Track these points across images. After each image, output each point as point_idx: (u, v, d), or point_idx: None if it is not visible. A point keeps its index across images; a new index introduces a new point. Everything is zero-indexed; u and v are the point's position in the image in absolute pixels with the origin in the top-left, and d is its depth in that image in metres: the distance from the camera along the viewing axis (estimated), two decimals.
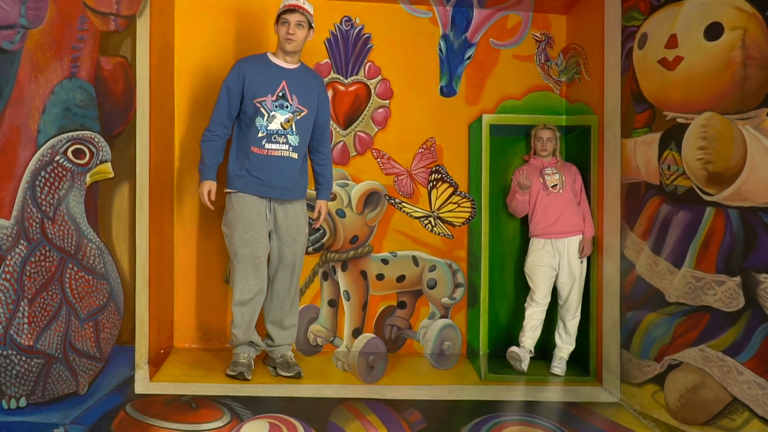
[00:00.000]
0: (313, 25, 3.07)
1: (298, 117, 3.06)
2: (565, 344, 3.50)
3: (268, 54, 3.12)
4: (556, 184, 3.49)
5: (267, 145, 3.00)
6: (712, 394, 2.36)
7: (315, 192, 3.33)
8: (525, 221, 3.69)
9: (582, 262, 3.45)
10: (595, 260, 3.43)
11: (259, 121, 2.99)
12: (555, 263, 3.47)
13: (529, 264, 3.55)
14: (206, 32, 3.63)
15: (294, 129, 3.04)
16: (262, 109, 2.99)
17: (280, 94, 3.03)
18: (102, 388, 2.69)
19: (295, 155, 3.05)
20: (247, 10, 3.63)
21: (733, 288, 2.29)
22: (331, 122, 3.73)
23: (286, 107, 3.03)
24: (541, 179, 3.52)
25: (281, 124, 3.01)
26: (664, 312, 2.69)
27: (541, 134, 3.61)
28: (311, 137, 3.18)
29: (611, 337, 3.17)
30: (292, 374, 3.14)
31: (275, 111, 3.00)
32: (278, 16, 3.02)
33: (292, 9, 2.96)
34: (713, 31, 2.42)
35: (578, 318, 3.47)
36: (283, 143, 3.01)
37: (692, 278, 2.51)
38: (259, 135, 2.99)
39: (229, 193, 3.05)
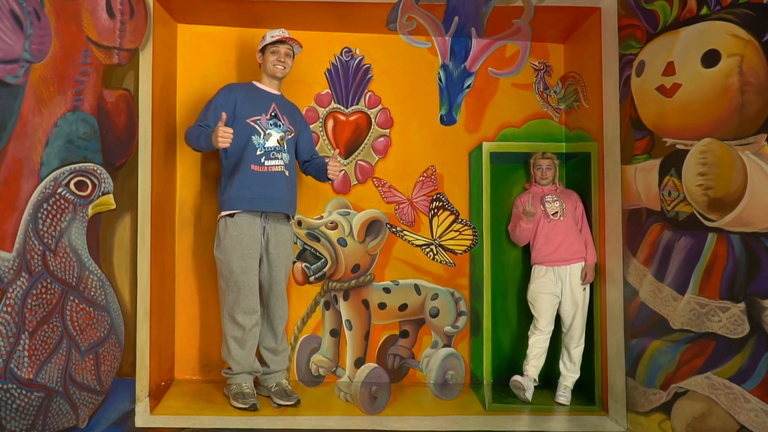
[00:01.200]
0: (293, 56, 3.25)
1: (289, 137, 3.18)
2: (569, 373, 3.46)
3: (253, 82, 3.26)
4: (556, 212, 3.49)
5: (267, 162, 3.06)
6: (720, 423, 2.32)
7: (323, 169, 3.23)
8: (527, 248, 3.68)
9: (585, 289, 3.43)
10: (597, 287, 3.41)
11: (256, 139, 3.06)
12: (557, 290, 3.45)
13: (531, 291, 3.54)
14: (207, 64, 3.68)
15: (285, 147, 3.14)
16: (257, 128, 3.08)
17: (273, 114, 3.15)
18: (102, 421, 2.66)
19: (287, 172, 3.13)
20: (247, 42, 3.67)
21: (737, 314, 2.27)
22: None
23: (280, 126, 3.14)
24: (541, 207, 3.52)
25: (277, 141, 3.10)
26: (669, 339, 2.67)
27: (540, 163, 3.63)
28: (303, 153, 3.34)
29: (616, 364, 3.14)
30: (292, 402, 3.12)
31: (270, 129, 3.10)
32: (265, 47, 3.16)
33: (282, 41, 3.14)
34: (710, 58, 2.45)
35: (582, 346, 3.44)
36: (279, 159, 3.09)
37: (696, 305, 2.49)
38: (258, 153, 3.05)
39: (225, 217, 3.06)
